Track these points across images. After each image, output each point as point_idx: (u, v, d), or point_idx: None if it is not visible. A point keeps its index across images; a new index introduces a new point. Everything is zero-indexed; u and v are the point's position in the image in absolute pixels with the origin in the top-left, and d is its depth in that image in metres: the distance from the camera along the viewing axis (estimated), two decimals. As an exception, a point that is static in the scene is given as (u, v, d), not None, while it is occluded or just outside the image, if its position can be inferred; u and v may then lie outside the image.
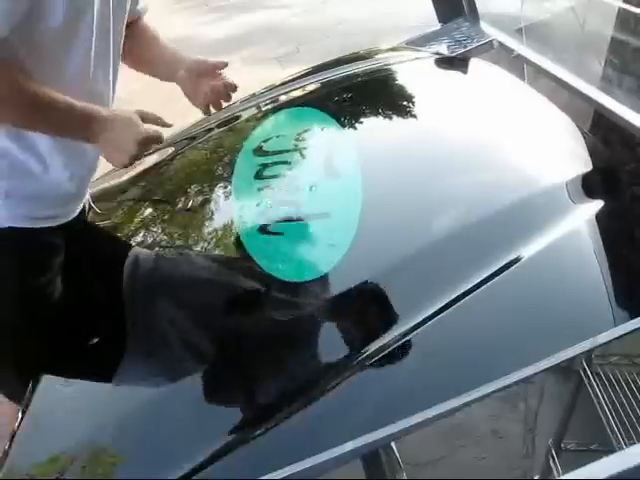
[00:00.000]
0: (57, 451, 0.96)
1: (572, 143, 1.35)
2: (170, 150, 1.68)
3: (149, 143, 1.17)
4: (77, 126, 1.12)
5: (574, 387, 1.78)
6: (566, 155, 1.31)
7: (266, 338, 1.05)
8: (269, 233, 1.17)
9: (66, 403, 1.07)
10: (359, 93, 1.61)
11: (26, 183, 1.16)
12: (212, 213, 1.33)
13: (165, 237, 1.32)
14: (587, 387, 1.73)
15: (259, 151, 1.42)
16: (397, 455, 1.26)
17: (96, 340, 1.16)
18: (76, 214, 1.28)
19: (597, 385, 1.71)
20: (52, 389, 1.09)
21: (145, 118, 1.17)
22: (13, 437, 1.00)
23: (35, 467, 0.96)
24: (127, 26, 1.27)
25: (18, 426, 1.01)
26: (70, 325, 1.16)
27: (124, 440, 0.97)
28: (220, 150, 1.61)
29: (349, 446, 0.82)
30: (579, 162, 1.27)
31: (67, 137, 1.15)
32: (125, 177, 1.55)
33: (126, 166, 1.18)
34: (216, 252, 1.23)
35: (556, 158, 1.28)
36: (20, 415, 1.04)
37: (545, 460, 1.84)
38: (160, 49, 1.39)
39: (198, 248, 1.26)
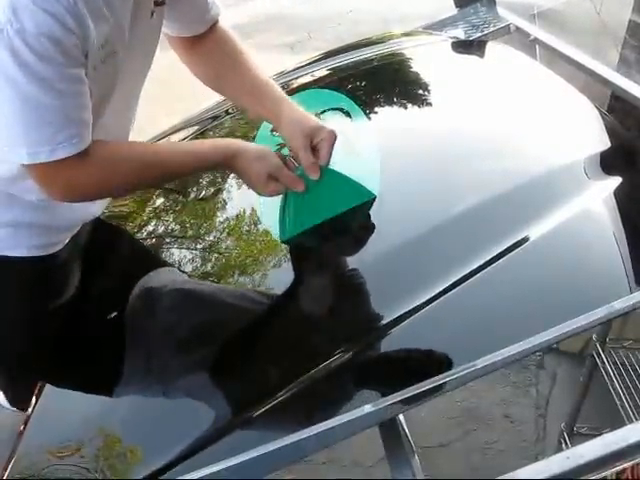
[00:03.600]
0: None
1: (592, 123, 1.35)
2: (181, 135, 1.68)
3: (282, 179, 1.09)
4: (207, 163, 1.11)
5: (587, 371, 1.78)
6: (586, 134, 1.32)
7: (288, 311, 1.07)
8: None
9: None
10: (377, 76, 1.61)
11: (38, 214, 1.11)
12: (231, 200, 1.35)
13: (181, 226, 1.34)
14: (601, 371, 1.73)
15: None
16: (409, 437, 1.26)
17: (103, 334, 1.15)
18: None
19: (611, 369, 1.71)
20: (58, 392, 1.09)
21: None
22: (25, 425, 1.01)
23: (49, 451, 0.97)
24: (197, 37, 1.18)
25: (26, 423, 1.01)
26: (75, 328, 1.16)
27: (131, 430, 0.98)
28: (235, 135, 1.62)
29: (367, 409, 0.83)
30: (599, 141, 1.28)
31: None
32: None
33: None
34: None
35: (577, 137, 1.29)
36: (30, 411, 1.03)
37: (557, 444, 1.85)
38: (253, 80, 1.19)
39: (217, 234, 1.29)
